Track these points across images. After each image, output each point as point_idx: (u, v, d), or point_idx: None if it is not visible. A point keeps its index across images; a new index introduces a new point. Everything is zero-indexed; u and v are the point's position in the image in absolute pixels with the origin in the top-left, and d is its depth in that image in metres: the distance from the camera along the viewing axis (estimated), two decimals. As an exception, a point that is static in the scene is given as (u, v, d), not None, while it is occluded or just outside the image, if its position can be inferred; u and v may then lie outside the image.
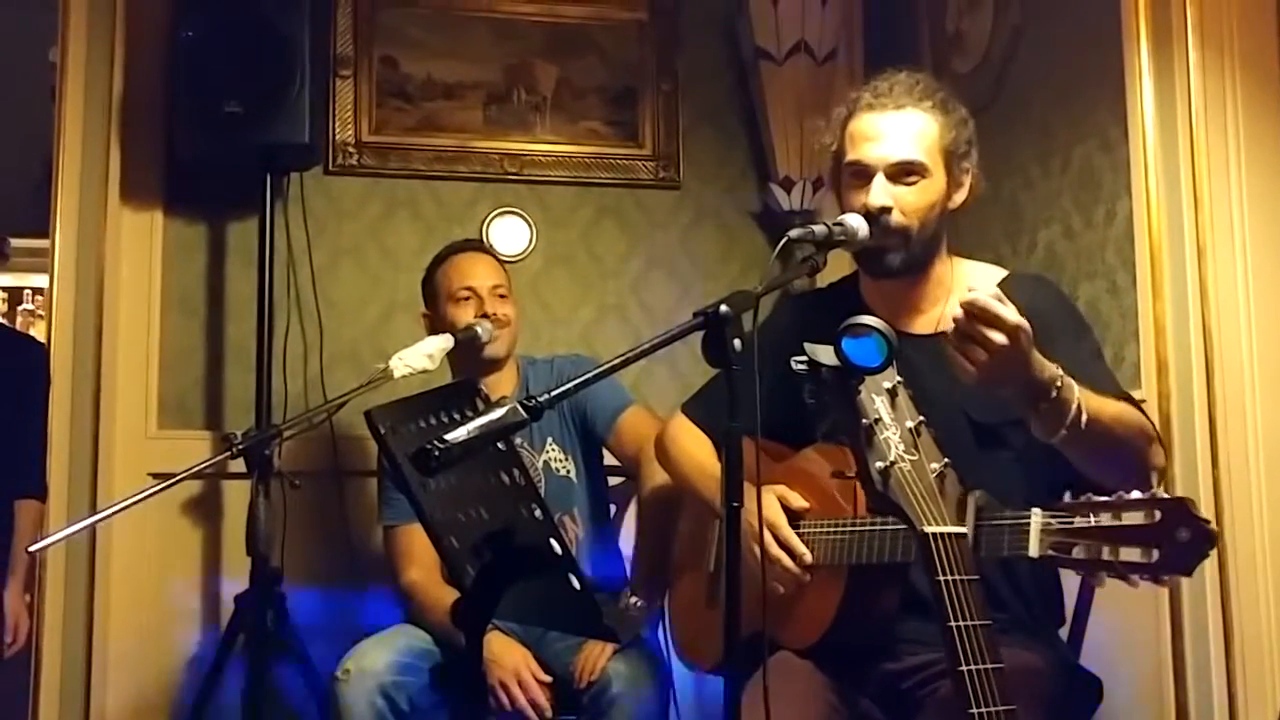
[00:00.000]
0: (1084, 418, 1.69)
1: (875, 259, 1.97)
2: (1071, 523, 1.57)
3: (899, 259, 1.95)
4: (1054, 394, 1.68)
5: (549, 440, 2.79)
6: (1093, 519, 1.55)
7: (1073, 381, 1.70)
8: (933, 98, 1.98)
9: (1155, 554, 1.49)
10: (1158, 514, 1.50)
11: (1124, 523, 1.52)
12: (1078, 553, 1.56)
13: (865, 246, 1.93)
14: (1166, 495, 1.53)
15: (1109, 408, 1.77)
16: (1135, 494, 1.54)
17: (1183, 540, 1.48)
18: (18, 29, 4.50)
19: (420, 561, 2.66)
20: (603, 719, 2.44)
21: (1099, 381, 1.83)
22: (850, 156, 1.99)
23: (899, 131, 1.96)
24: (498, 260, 2.95)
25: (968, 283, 2.02)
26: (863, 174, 1.97)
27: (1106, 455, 1.77)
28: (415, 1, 3.54)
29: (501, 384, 2.80)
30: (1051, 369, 1.69)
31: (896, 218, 1.93)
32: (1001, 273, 2.06)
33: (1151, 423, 1.90)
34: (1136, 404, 1.90)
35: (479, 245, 3.05)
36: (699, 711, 2.84)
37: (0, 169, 4.75)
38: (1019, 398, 1.70)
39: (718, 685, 1.73)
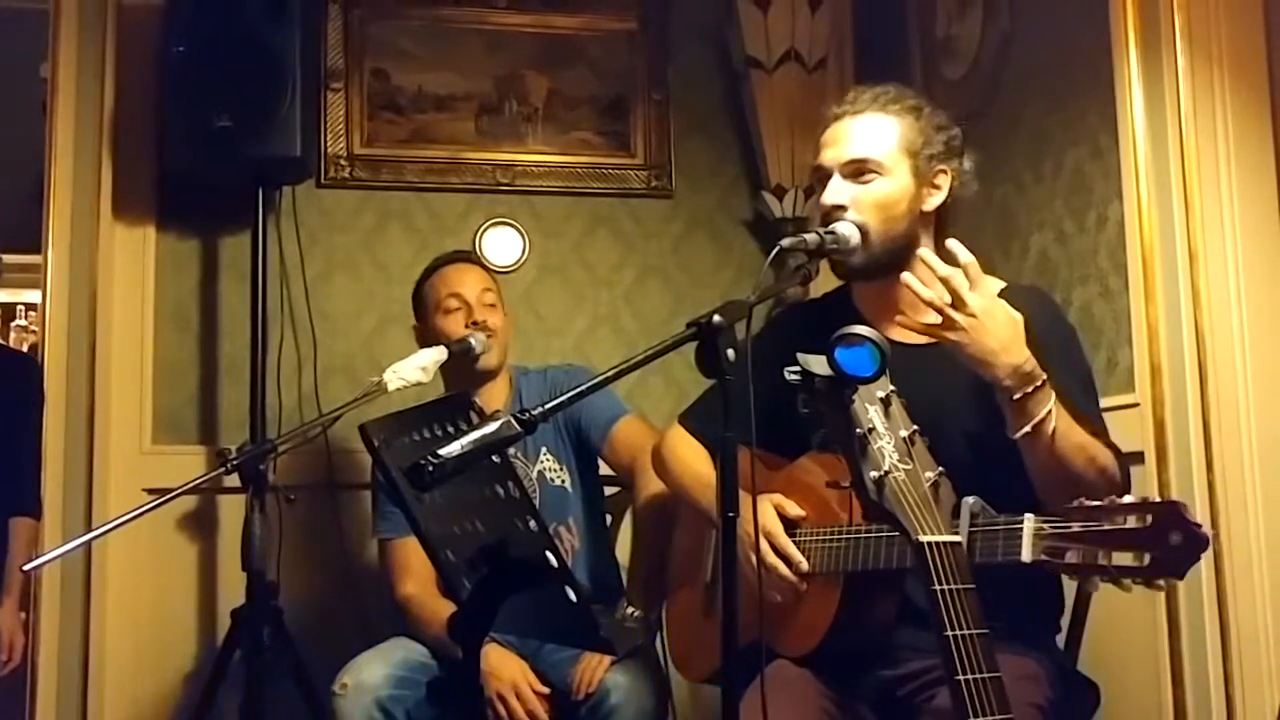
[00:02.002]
0: (1049, 429, 1.78)
1: (839, 259, 1.99)
2: (1064, 528, 1.58)
3: (859, 257, 1.96)
4: (1016, 396, 1.79)
5: (544, 450, 2.78)
6: (1085, 524, 1.56)
7: (1050, 396, 1.79)
8: (900, 104, 2.03)
9: (1147, 558, 1.50)
10: (1149, 518, 1.50)
11: (1116, 527, 1.53)
12: (1070, 557, 1.56)
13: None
14: (1158, 499, 1.54)
15: (1075, 437, 1.82)
16: (1128, 498, 1.55)
17: (1174, 544, 1.48)
18: (9, 44, 4.49)
19: (416, 574, 2.65)
20: (601, 730, 2.43)
21: (1082, 413, 1.86)
22: (813, 163, 2.05)
23: (855, 134, 2.01)
24: (488, 271, 2.95)
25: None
26: (823, 175, 2.02)
27: (1057, 479, 1.81)
28: (405, 14, 3.54)
29: (495, 395, 2.79)
30: (1032, 373, 1.79)
31: (851, 215, 1.96)
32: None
33: (1123, 478, 1.88)
34: (1116, 450, 1.90)
35: (468, 256, 3.05)
36: (697, 721, 2.84)
37: (-8, 185, 4.75)
38: (993, 382, 1.81)
39: (716, 695, 1.73)
